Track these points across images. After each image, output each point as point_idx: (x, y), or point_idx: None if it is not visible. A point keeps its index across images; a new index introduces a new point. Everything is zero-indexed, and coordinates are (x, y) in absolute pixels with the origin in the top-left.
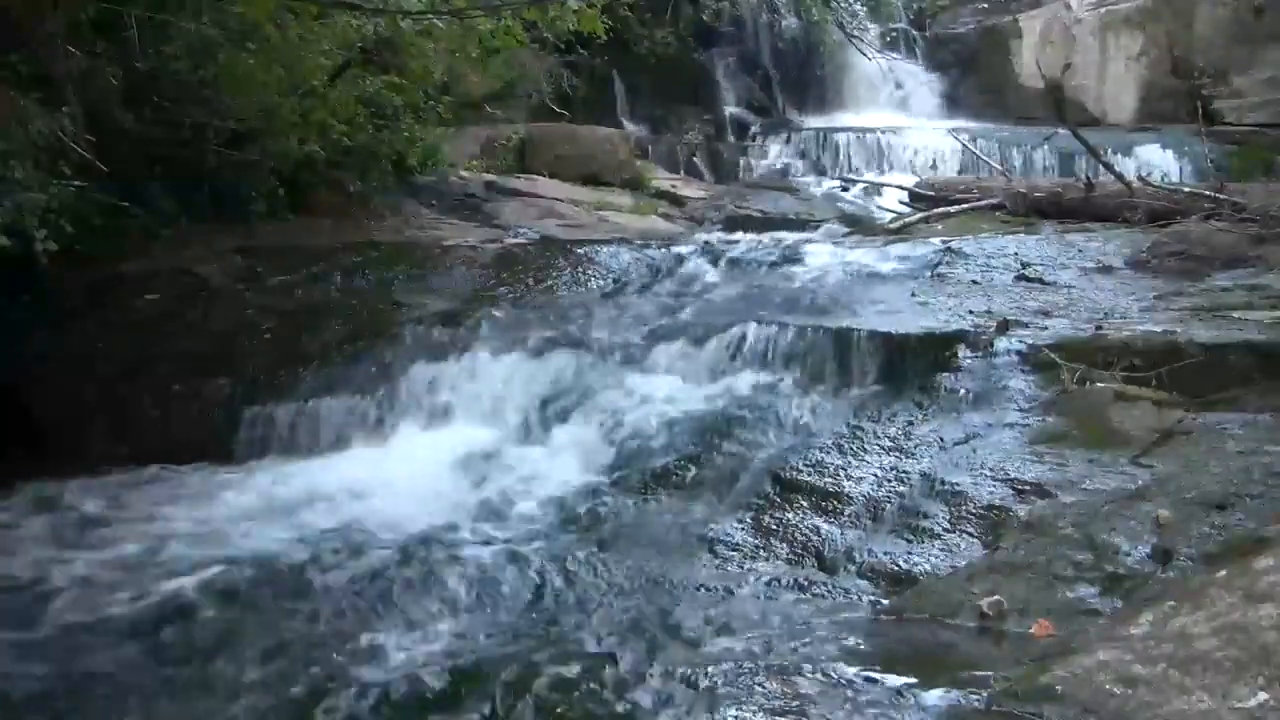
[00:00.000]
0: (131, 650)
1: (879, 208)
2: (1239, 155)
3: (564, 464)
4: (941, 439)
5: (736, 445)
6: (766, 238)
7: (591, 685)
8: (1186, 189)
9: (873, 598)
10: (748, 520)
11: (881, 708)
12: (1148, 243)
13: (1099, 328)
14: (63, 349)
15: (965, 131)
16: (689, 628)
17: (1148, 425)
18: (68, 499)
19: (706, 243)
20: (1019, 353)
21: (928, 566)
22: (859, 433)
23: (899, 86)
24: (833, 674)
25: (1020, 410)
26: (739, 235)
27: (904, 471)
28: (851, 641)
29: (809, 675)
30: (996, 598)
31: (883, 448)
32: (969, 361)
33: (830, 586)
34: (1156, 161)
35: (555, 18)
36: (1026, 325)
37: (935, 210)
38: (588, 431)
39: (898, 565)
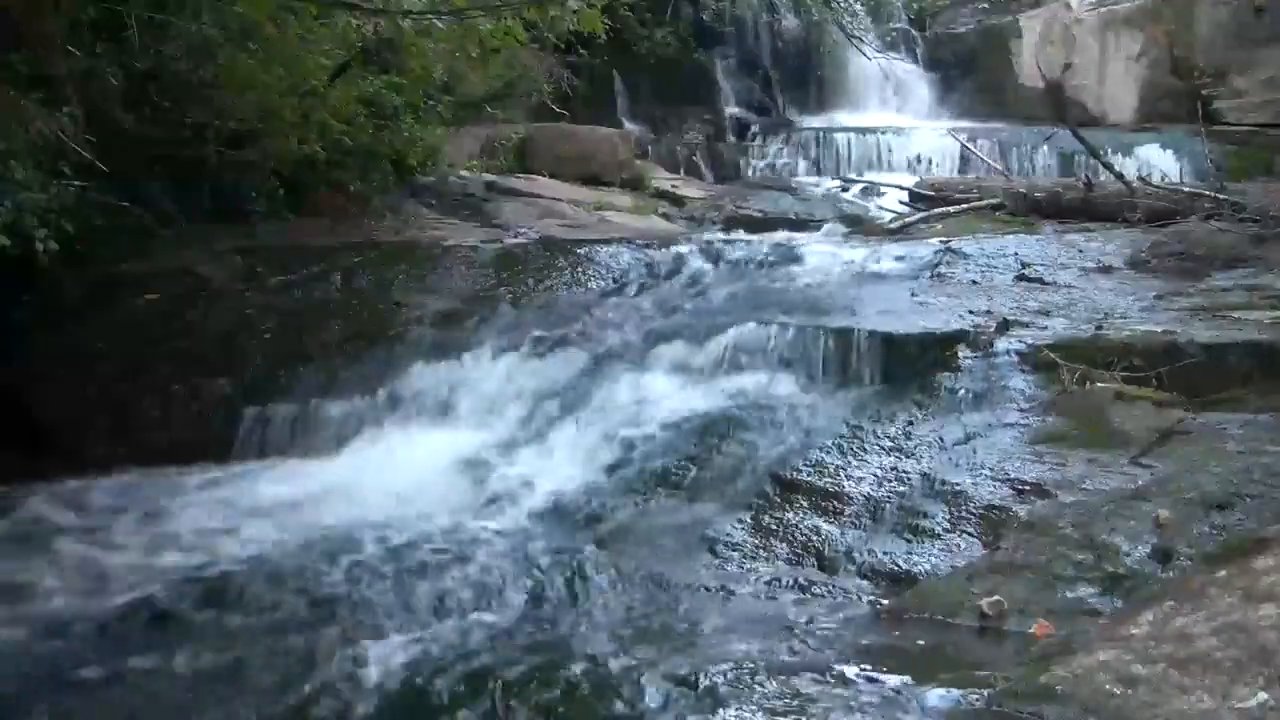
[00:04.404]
0: (130, 650)
1: (879, 208)
2: (1239, 155)
3: (564, 464)
4: (941, 439)
5: (736, 445)
6: (766, 238)
7: (591, 685)
8: (1186, 189)
9: (873, 598)
10: (748, 520)
11: (881, 708)
12: (1148, 243)
13: (1099, 328)
14: (63, 349)
15: (965, 131)
16: (689, 628)
17: (1148, 425)
18: (68, 499)
19: (706, 243)
20: (1019, 353)
21: (928, 566)
22: (859, 433)
23: (899, 86)
24: (833, 674)
25: (1020, 410)
26: (739, 235)
27: (904, 471)
28: (851, 641)
29: (809, 675)
30: (996, 598)
31: (883, 448)
32: (969, 361)
33: (830, 586)
34: (1156, 161)
35: (555, 18)
36: (1026, 325)
37: (935, 210)
38: (588, 431)
39: (898, 565)
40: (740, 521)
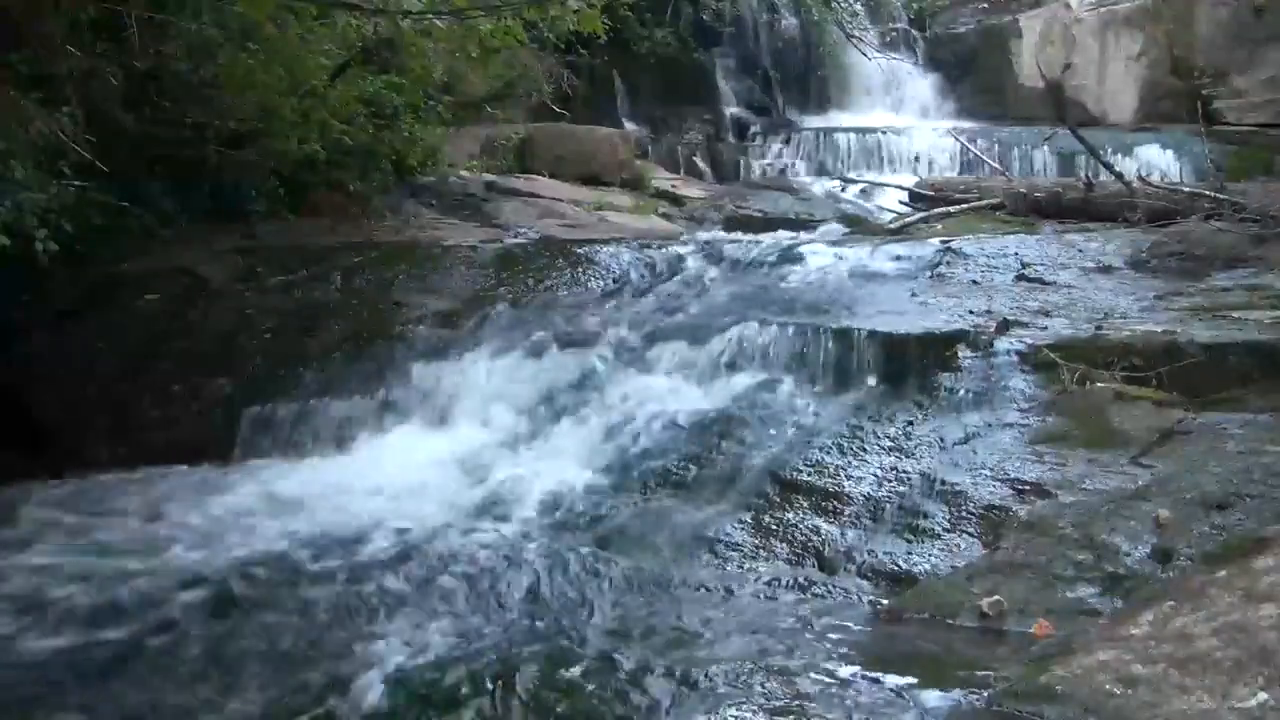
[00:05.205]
0: (130, 650)
1: (879, 208)
2: (1239, 155)
3: (564, 464)
4: (941, 439)
5: (736, 445)
6: (766, 238)
7: (591, 685)
8: (1186, 189)
9: (873, 598)
10: (748, 520)
11: (881, 708)
12: (1148, 243)
13: (1099, 328)
14: (63, 349)
15: (965, 131)
16: (689, 628)
17: (1148, 425)
18: (68, 499)
19: (706, 243)
20: (1019, 353)
21: (928, 566)
22: (859, 433)
23: (899, 86)
24: (833, 674)
25: (1020, 410)
26: (739, 235)
27: (904, 471)
28: (851, 641)
29: (809, 675)
30: (996, 598)
31: (883, 448)
32: (969, 361)
33: (830, 586)
34: (1156, 161)
35: (555, 18)
36: (1026, 325)
37: (935, 210)
38: (587, 431)
39: (898, 565)
40: (740, 521)
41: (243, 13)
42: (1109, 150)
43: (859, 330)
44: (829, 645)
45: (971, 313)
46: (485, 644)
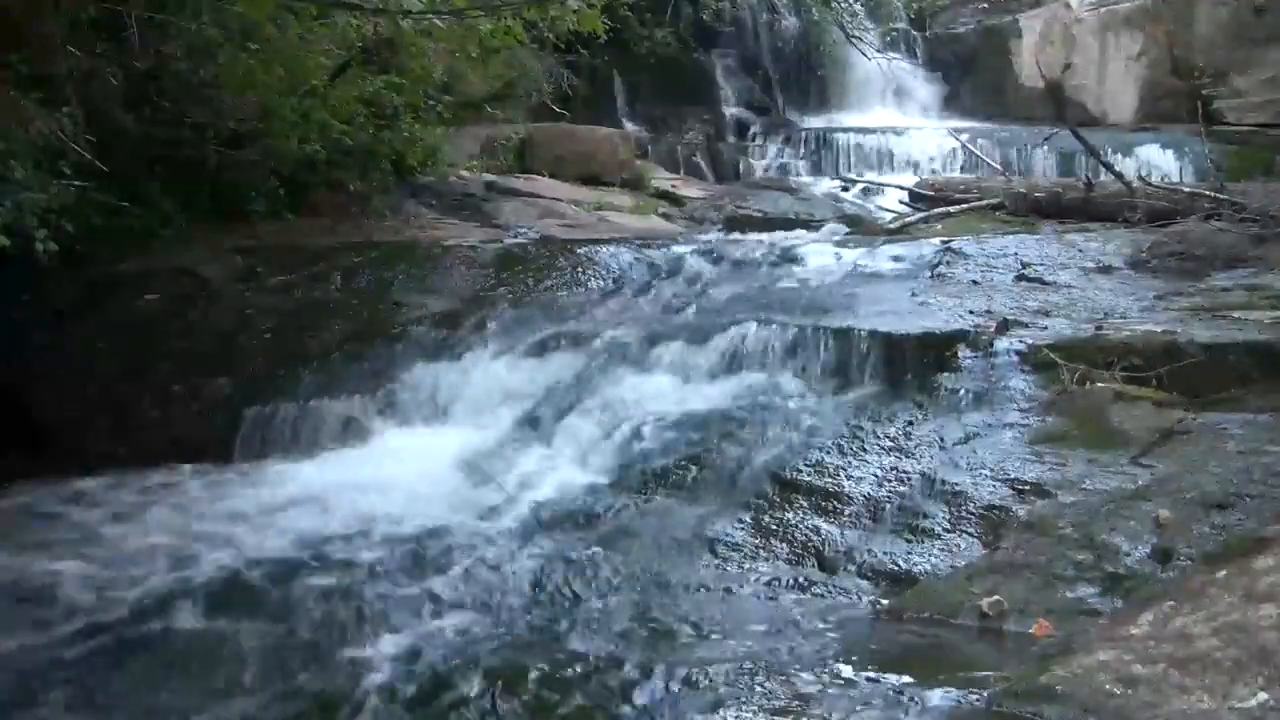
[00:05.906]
0: (130, 650)
1: (879, 208)
2: (1239, 155)
3: (563, 464)
4: (941, 439)
5: (736, 445)
6: (766, 238)
7: (591, 685)
8: (1186, 189)
9: (873, 598)
10: (748, 520)
11: (881, 708)
12: (1148, 243)
13: (1099, 328)
14: (63, 349)
15: (965, 131)
16: (689, 628)
17: (1148, 425)
18: (68, 499)
19: (706, 243)
20: (1019, 353)
21: (928, 566)
22: (859, 433)
23: (899, 86)
24: (833, 674)
25: (1020, 410)
26: (739, 235)
27: (904, 471)
28: (851, 641)
29: (809, 675)
30: (996, 598)
31: (883, 448)
32: (969, 361)
33: (830, 586)
34: (1156, 161)
35: (555, 18)
36: (1026, 325)
37: (935, 210)
38: (587, 431)
39: (898, 565)
40: (740, 521)
41: (243, 13)
42: (1109, 150)
43: (859, 330)
44: (829, 645)
45: (971, 313)
46: (485, 644)
